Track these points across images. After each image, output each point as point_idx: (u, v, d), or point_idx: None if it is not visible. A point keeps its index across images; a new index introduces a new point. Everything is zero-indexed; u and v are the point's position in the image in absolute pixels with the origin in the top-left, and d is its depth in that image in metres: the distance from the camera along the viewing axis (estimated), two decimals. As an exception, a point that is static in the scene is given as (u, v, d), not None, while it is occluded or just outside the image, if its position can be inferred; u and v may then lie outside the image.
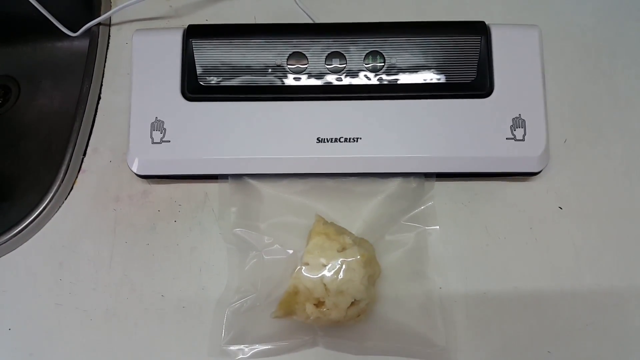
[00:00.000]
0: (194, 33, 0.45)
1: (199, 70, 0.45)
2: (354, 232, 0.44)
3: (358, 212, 0.45)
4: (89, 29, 0.52)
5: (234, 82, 0.45)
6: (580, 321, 0.43)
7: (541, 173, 0.45)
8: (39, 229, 0.46)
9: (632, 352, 0.43)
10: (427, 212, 0.45)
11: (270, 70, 0.45)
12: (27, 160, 0.59)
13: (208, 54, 0.45)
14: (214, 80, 0.45)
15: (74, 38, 0.53)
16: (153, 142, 0.44)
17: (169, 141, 0.44)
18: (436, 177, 0.46)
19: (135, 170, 0.45)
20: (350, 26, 0.46)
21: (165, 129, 0.44)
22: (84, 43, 0.52)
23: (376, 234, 0.44)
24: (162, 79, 0.45)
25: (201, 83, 0.45)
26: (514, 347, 0.43)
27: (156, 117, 0.45)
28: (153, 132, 0.44)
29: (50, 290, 0.45)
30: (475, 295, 0.44)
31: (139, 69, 0.45)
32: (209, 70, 0.45)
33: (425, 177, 0.46)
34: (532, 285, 0.44)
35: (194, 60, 0.45)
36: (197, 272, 0.45)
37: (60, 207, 0.47)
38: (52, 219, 0.47)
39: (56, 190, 0.47)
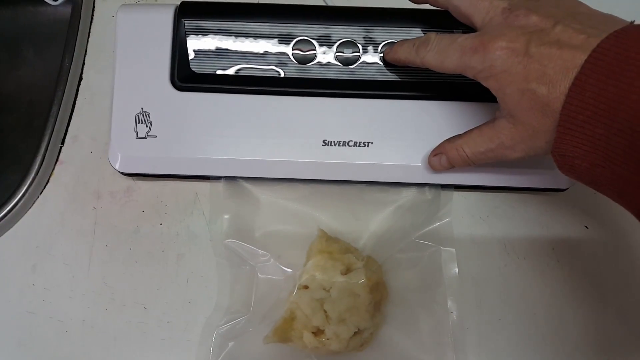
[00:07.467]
0: (187, 11, 0.40)
1: (191, 56, 0.40)
2: (359, 247, 0.39)
3: (365, 224, 0.41)
4: (71, -3, 0.46)
5: (231, 70, 0.40)
6: (602, 355, 0.40)
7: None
8: (10, 227, 0.42)
9: (655, 391, 0.39)
10: (443, 230, 0.40)
11: (272, 58, 0.39)
12: (7, 136, 0.54)
13: (202, 37, 0.40)
14: (208, 67, 0.40)
15: (56, 6, 0.47)
16: (137, 137, 0.39)
17: (155, 136, 0.39)
18: (454, 188, 0.41)
19: (117, 168, 0.40)
20: (367, 11, 0.40)
21: (151, 122, 0.39)
22: (68, 10, 0.47)
23: (385, 250, 0.40)
24: (149, 65, 0.40)
25: (194, 70, 0.40)
26: (529, 381, 0.39)
27: (141, 108, 0.40)
28: (138, 125, 0.39)
29: (21, 296, 0.40)
30: (489, 322, 0.40)
31: (123, 52, 0.40)
32: (203, 56, 0.40)
33: (442, 187, 0.41)
34: (552, 313, 0.40)
35: (186, 43, 0.39)
36: (184, 282, 0.41)
37: (34, 202, 0.42)
38: (25, 216, 0.42)
39: (30, 184, 0.42)
